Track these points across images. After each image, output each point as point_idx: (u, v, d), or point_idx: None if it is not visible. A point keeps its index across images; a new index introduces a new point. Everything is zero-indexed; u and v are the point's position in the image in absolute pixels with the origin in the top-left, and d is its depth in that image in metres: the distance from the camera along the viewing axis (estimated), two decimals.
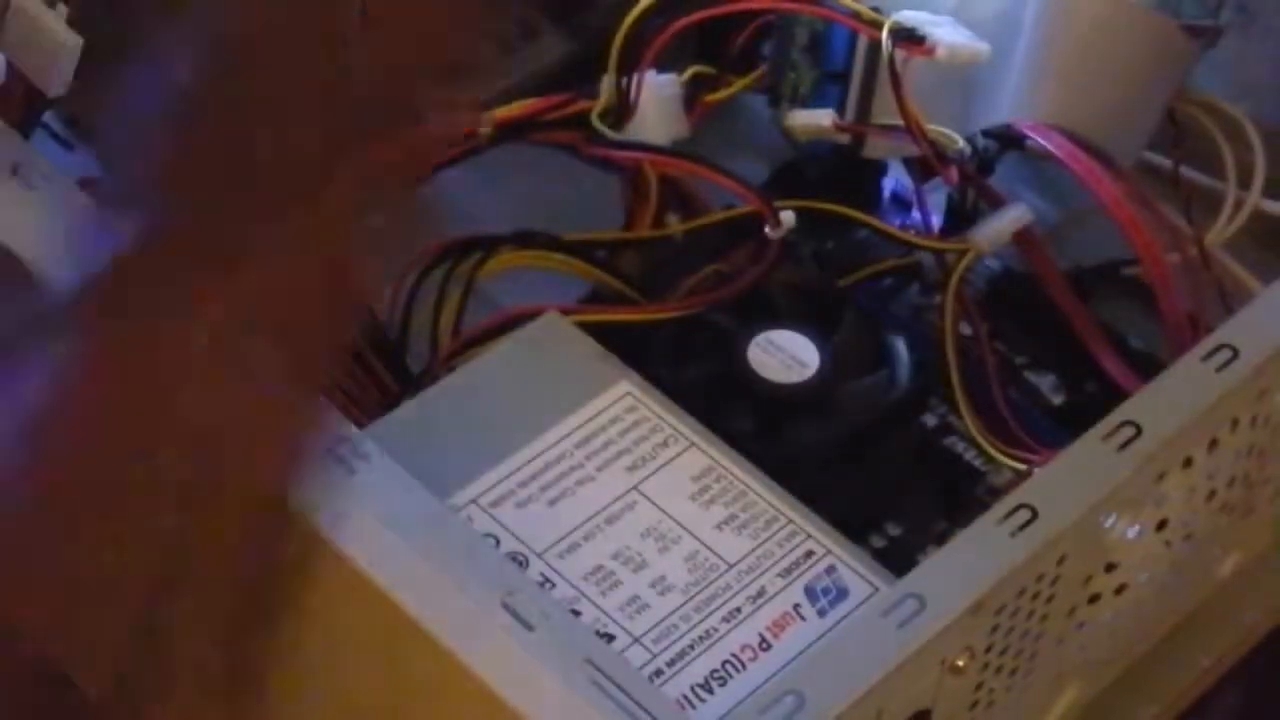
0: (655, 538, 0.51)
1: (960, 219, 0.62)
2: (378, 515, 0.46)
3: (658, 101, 0.61)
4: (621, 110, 0.60)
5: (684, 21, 0.60)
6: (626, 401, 0.53)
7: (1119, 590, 0.53)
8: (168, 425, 0.40)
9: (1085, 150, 0.61)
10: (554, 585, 0.49)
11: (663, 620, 0.49)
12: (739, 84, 0.62)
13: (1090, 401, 0.60)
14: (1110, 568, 0.52)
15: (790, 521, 0.52)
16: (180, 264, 0.41)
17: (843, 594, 0.50)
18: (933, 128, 0.61)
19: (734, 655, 0.49)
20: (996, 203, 0.62)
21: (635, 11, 0.56)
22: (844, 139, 0.62)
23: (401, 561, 0.46)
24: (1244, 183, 0.64)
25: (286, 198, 0.41)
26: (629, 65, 0.59)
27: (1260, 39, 0.68)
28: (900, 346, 0.58)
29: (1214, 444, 0.53)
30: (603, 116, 0.60)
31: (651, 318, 0.57)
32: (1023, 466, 0.57)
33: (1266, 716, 0.64)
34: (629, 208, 0.61)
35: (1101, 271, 0.65)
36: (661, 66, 0.61)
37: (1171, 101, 0.65)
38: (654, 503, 0.51)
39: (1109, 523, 0.51)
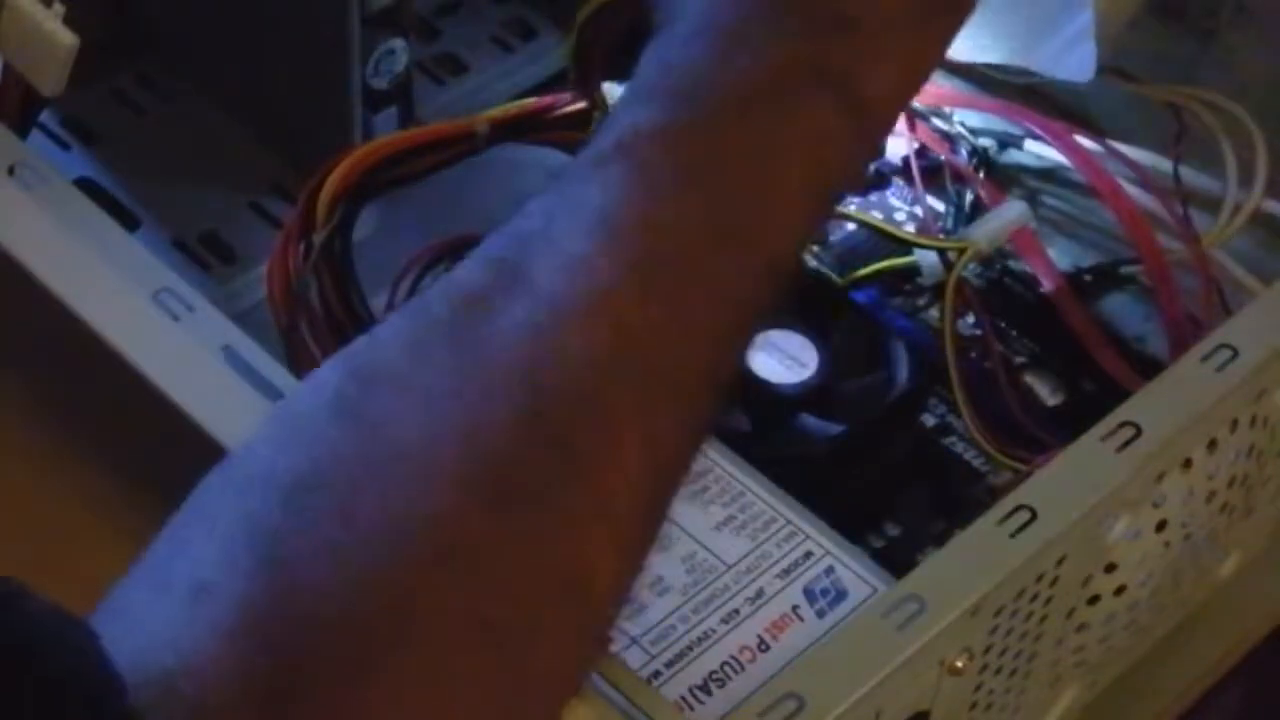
0: None
1: (959, 218, 0.62)
2: None
3: None
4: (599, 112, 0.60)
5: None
6: None
7: (1118, 591, 0.53)
8: None
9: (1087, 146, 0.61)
10: None
11: (661, 621, 0.49)
12: None
13: (1089, 401, 0.60)
14: (1110, 569, 0.52)
15: (789, 522, 0.51)
16: None
17: (842, 595, 0.50)
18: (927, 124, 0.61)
19: (733, 657, 0.49)
20: (995, 201, 0.62)
21: (585, 12, 0.56)
22: None
23: None
24: (1245, 182, 0.64)
25: None
26: (588, 68, 0.59)
27: (1260, 38, 0.68)
28: (899, 346, 0.58)
29: (1213, 444, 0.53)
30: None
31: None
32: (1022, 467, 0.57)
33: (1266, 716, 0.64)
34: None
35: (1101, 271, 0.64)
36: None
37: (1174, 98, 0.65)
38: None
39: (1108, 524, 0.51)
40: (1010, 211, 0.61)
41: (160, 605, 0.38)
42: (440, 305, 0.40)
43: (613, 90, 0.59)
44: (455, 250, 0.58)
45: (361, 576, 0.37)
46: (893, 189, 0.67)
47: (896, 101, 0.43)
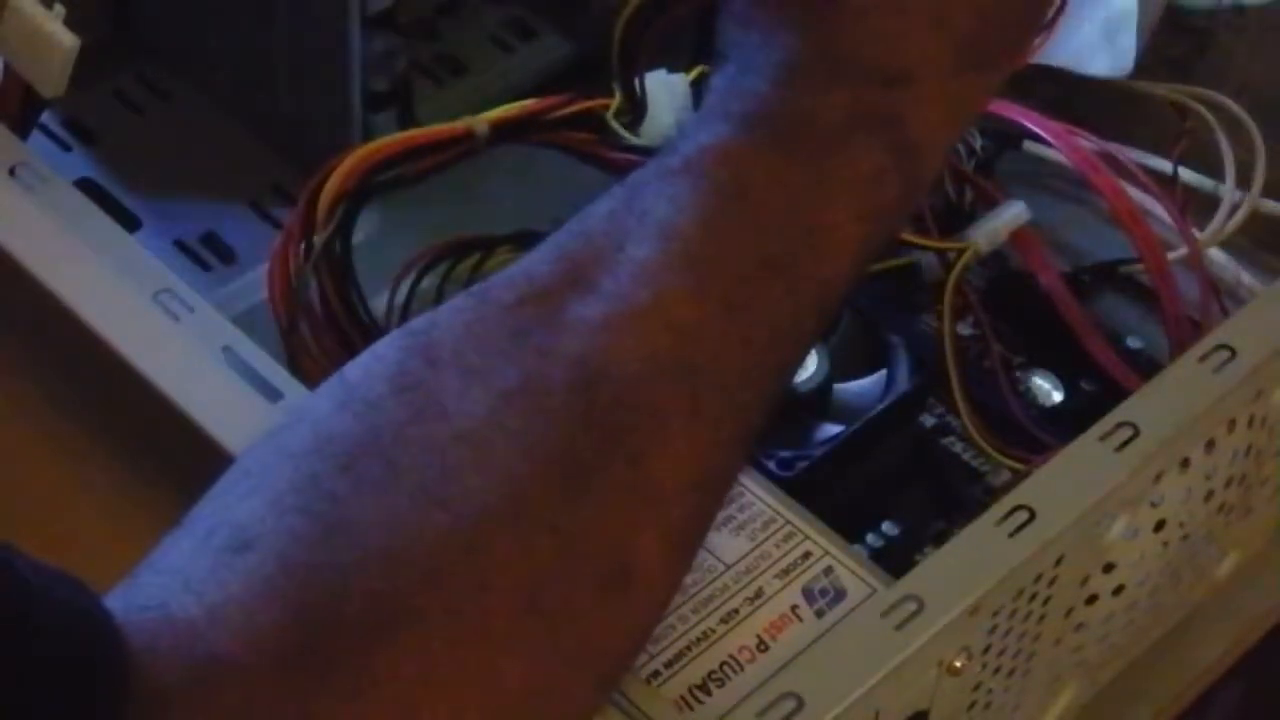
0: None
1: (959, 218, 0.62)
2: None
3: (670, 101, 0.61)
4: (636, 111, 0.59)
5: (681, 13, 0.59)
6: None
7: (1117, 591, 0.53)
8: None
9: (1086, 146, 0.61)
10: None
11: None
12: None
13: (1088, 401, 0.60)
14: (1108, 568, 0.52)
15: (788, 522, 0.51)
16: None
17: (840, 595, 0.50)
18: None
19: (732, 656, 0.49)
20: (994, 202, 0.62)
21: (629, 10, 0.56)
22: None
23: None
24: (1243, 182, 0.64)
25: None
26: (631, 65, 0.59)
27: (1258, 39, 0.68)
28: (899, 346, 0.58)
29: (1211, 444, 0.53)
30: (617, 117, 0.59)
31: None
32: (1020, 467, 0.57)
33: (1266, 716, 0.64)
34: None
35: (1100, 271, 0.64)
36: (666, 65, 0.61)
37: (1174, 97, 0.65)
38: None
39: (1107, 523, 0.51)
40: (1010, 211, 0.61)
41: (202, 556, 0.39)
42: (505, 292, 0.42)
43: (665, 79, 0.59)
44: (455, 250, 0.58)
45: (405, 545, 0.38)
46: None
47: (943, 147, 0.45)
